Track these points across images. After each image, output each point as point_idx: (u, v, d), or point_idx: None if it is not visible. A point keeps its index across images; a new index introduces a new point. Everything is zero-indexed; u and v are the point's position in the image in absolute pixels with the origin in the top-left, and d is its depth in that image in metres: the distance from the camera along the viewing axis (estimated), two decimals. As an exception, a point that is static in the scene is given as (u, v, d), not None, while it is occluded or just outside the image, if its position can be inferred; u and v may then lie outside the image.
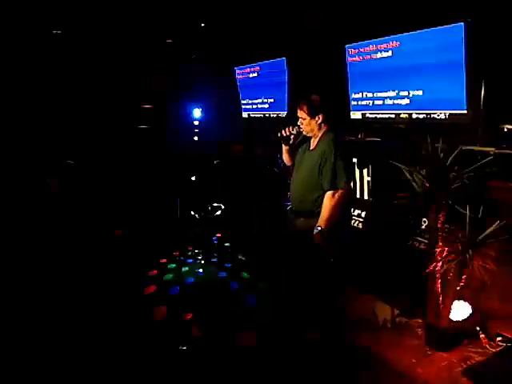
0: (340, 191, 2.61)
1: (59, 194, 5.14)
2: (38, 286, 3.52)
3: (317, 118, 2.72)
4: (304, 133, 2.81)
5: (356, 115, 3.88)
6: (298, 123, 2.80)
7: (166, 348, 2.73)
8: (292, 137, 2.87)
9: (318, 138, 2.78)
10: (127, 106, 6.18)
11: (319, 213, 2.62)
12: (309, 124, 2.74)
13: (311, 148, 2.81)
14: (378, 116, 3.64)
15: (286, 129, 2.85)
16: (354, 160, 3.75)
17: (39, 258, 3.97)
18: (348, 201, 2.75)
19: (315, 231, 2.59)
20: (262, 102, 5.34)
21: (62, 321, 3.00)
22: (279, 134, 2.88)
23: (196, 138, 6.17)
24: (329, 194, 2.60)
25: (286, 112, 4.83)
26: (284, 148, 2.96)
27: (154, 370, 2.52)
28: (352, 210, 3.87)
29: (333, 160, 2.61)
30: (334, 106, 2.95)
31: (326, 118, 2.73)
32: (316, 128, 2.75)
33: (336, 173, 2.61)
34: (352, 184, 3.63)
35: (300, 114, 2.76)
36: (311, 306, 2.78)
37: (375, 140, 3.76)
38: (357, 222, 3.81)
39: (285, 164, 3.12)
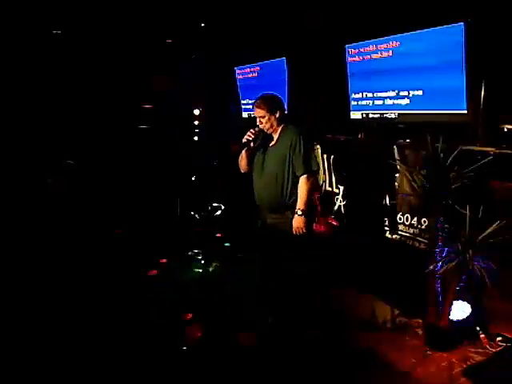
0: (313, 174, 2.77)
1: (65, 194, 5.14)
2: (38, 284, 3.52)
3: (276, 114, 2.82)
4: (265, 130, 2.87)
5: (356, 115, 3.88)
6: (257, 123, 2.86)
7: (165, 348, 2.73)
8: (255, 140, 2.90)
9: (278, 133, 2.87)
10: (127, 106, 6.18)
11: (291, 205, 2.74)
12: (268, 120, 2.82)
13: (272, 144, 2.88)
14: (378, 116, 3.65)
15: (249, 133, 2.86)
16: (348, 159, 3.79)
17: (39, 258, 3.97)
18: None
19: (299, 214, 2.69)
20: (262, 102, 5.34)
21: (62, 320, 3.00)
22: (245, 140, 2.86)
23: (196, 138, 6.17)
24: (304, 177, 2.72)
25: (285, 112, 4.83)
26: (244, 153, 2.95)
27: (154, 370, 2.52)
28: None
29: (302, 146, 2.73)
30: (332, 111, 3.06)
31: (282, 114, 2.85)
32: (276, 124, 2.84)
33: (307, 157, 2.74)
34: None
35: (259, 112, 2.82)
36: (308, 304, 2.79)
37: (375, 140, 3.76)
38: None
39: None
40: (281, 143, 2.82)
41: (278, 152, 2.81)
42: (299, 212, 2.69)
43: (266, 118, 2.81)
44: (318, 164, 2.96)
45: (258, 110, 2.83)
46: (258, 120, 2.85)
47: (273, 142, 2.88)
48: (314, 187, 2.81)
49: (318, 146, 4.14)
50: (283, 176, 2.77)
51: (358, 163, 3.78)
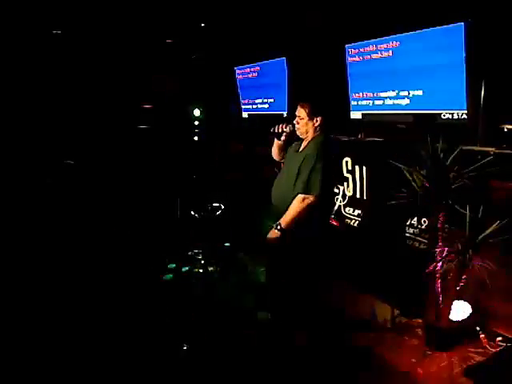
0: (311, 197, 2.53)
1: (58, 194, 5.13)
2: (37, 285, 3.52)
3: (315, 121, 2.66)
4: (298, 133, 2.75)
5: (356, 115, 3.88)
6: (294, 122, 2.74)
7: (165, 347, 2.73)
8: (284, 134, 2.81)
9: (307, 141, 2.72)
10: (127, 106, 6.18)
11: None
12: (305, 125, 2.68)
13: (300, 150, 2.76)
14: (378, 116, 3.65)
15: (280, 125, 2.80)
16: (348, 159, 3.78)
17: (39, 258, 3.97)
18: (319, 208, 2.64)
19: (274, 228, 2.58)
20: (262, 102, 5.35)
21: (61, 319, 3.00)
22: (272, 129, 2.83)
23: (196, 138, 6.17)
24: (299, 197, 2.55)
25: (286, 112, 4.84)
26: (276, 142, 2.90)
27: (154, 369, 2.52)
28: (352, 210, 3.89)
29: (312, 165, 2.56)
30: (333, 111, 2.90)
31: (323, 123, 2.68)
32: (311, 131, 2.69)
33: (311, 178, 2.54)
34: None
35: (299, 112, 2.69)
36: (304, 305, 2.78)
37: (375, 140, 3.76)
38: (356, 222, 3.82)
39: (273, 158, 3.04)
40: (303, 153, 2.68)
41: (296, 161, 2.68)
42: (278, 227, 2.57)
43: (304, 121, 2.67)
44: (324, 188, 2.59)
45: (300, 110, 2.68)
46: (296, 119, 2.72)
47: (301, 149, 2.75)
48: (306, 211, 2.54)
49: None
50: (293, 186, 2.63)
51: (358, 163, 3.79)
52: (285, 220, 2.57)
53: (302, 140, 2.79)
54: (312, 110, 2.66)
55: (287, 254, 2.62)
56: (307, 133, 2.71)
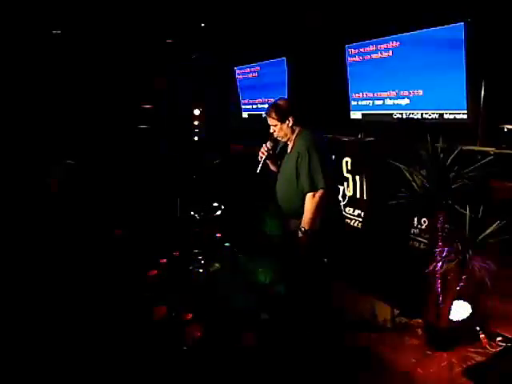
0: (320, 191, 2.58)
1: (59, 194, 5.13)
2: (37, 285, 3.52)
3: (287, 122, 2.70)
4: (279, 139, 2.79)
5: (356, 115, 3.88)
6: (271, 131, 2.78)
7: (166, 348, 2.73)
8: (271, 153, 2.84)
9: (292, 141, 2.77)
10: (127, 106, 6.18)
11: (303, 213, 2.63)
12: (281, 129, 2.72)
13: (289, 151, 2.81)
14: (378, 116, 3.65)
15: (262, 149, 2.83)
16: (348, 159, 3.78)
17: (39, 258, 3.97)
18: (331, 199, 2.71)
19: (299, 233, 2.60)
20: (262, 102, 5.35)
21: (61, 320, 3.00)
22: (260, 158, 2.84)
23: (196, 138, 6.17)
24: (309, 195, 2.60)
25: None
26: (269, 162, 2.92)
27: (154, 370, 2.52)
28: (352, 210, 3.89)
29: (307, 160, 2.59)
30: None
31: (296, 120, 2.72)
32: (289, 131, 2.73)
33: (312, 173, 2.59)
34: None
35: (270, 121, 2.74)
36: (308, 305, 2.78)
37: (375, 140, 3.76)
38: (356, 222, 3.82)
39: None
40: (293, 153, 2.73)
41: (290, 162, 2.72)
42: (301, 230, 2.59)
43: (278, 126, 2.72)
44: (328, 177, 2.63)
45: (270, 119, 2.74)
46: (271, 128, 2.77)
47: (289, 150, 2.81)
48: (322, 205, 2.59)
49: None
50: (296, 186, 2.68)
51: (358, 163, 3.79)
52: (305, 221, 2.60)
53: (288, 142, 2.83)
54: (277, 114, 2.71)
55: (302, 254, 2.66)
56: (287, 135, 2.76)
